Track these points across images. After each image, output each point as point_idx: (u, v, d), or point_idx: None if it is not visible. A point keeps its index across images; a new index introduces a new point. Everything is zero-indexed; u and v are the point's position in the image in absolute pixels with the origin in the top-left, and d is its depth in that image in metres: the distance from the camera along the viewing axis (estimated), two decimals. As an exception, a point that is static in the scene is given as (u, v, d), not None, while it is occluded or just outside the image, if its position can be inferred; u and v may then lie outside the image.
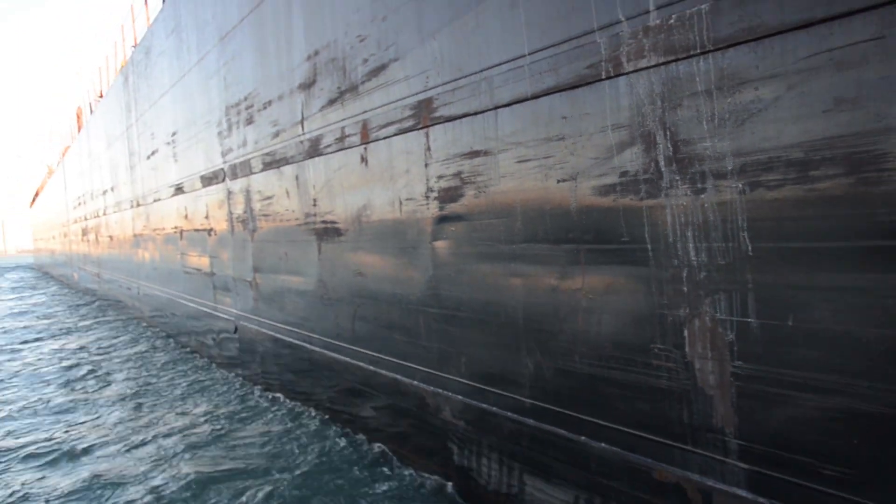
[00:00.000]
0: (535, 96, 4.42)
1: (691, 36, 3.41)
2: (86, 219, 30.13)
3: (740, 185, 3.27)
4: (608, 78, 3.89)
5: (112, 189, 22.08)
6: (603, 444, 4.19)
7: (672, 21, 3.50)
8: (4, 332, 17.60)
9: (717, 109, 3.33)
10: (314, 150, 7.59)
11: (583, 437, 4.34)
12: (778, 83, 3.07)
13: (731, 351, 3.39)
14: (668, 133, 3.59)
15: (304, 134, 7.80)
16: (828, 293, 2.98)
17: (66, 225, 39.15)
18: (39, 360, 13.35)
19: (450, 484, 5.76)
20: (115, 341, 15.12)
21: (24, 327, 18.67)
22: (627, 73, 3.79)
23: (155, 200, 15.87)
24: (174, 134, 13.64)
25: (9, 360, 13.50)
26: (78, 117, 30.72)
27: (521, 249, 4.73)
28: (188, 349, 13.59)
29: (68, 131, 38.39)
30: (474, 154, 5.06)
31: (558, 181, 4.34)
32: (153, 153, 15.68)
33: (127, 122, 18.40)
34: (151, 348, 13.94)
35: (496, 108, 4.78)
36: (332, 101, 7.11)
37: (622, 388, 4.02)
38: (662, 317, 3.73)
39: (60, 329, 17.76)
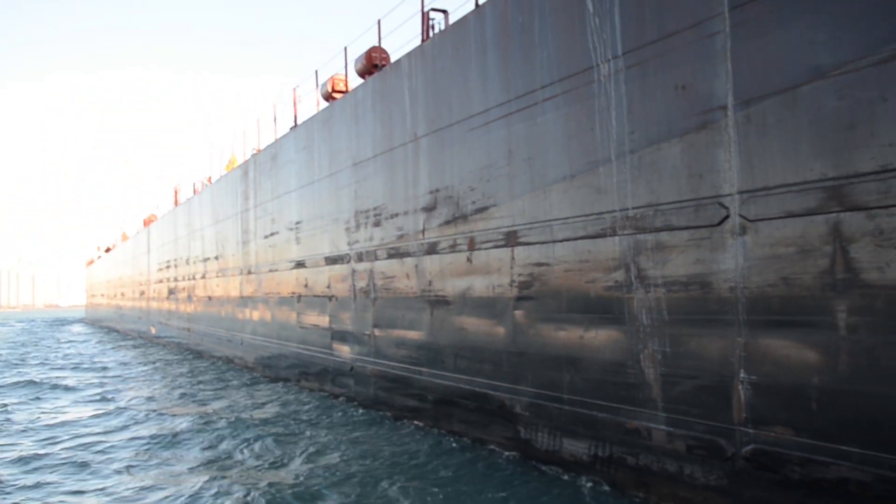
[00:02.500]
0: (575, 238, 8.88)
1: (646, 223, 7.85)
2: (175, 280, 34.92)
3: (664, 290, 7.65)
4: (610, 236, 8.34)
5: (216, 258, 26.86)
6: (603, 414, 8.45)
7: (638, 214, 7.95)
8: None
9: (655, 257, 7.75)
10: (432, 249, 12.11)
11: (594, 412, 8.60)
12: (678, 250, 7.48)
13: (659, 363, 7.70)
14: (635, 265, 8.00)
15: (424, 239, 12.33)
16: (693, 337, 7.31)
17: (146, 284, 44.01)
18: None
19: (514, 453, 9.98)
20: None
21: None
22: (619, 235, 8.23)
23: (270, 271, 20.50)
24: (298, 223, 18.32)
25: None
26: (175, 194, 35.84)
27: (564, 317, 9.10)
28: (299, 389, 17.95)
29: (154, 204, 43.82)
30: (540, 264, 9.50)
31: (585, 282, 8.74)
32: (272, 234, 20.39)
33: (243, 206, 23.26)
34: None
35: (554, 241, 9.24)
36: (447, 222, 11.65)
37: (613, 384, 8.31)
38: (631, 349, 8.05)
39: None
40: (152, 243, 42.15)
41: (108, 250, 71.76)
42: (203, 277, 29.02)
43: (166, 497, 8.82)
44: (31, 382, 20.35)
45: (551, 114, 9.32)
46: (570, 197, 8.98)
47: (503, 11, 10.30)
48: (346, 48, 16.24)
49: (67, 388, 19.26)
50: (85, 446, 11.84)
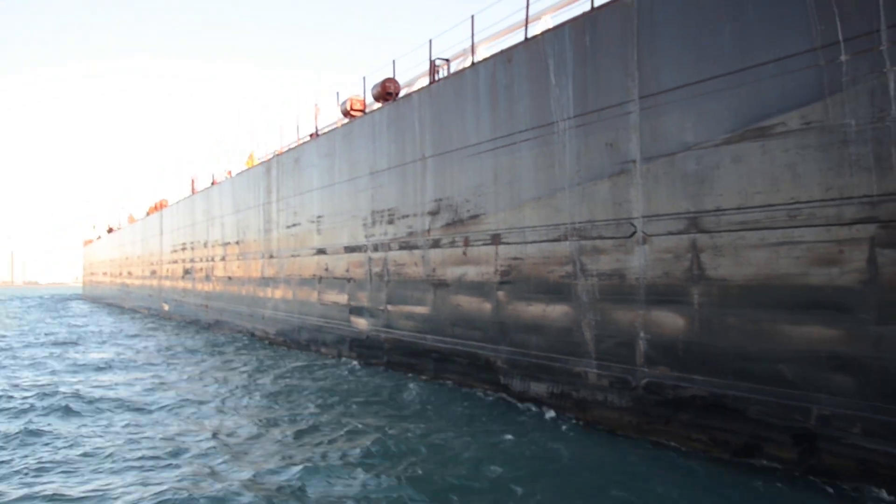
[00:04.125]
0: (540, 241, 12.69)
1: (587, 233, 11.68)
2: (192, 261, 38.50)
3: (597, 279, 11.49)
4: (563, 241, 12.16)
5: (237, 242, 30.52)
6: (557, 364, 12.31)
7: (582, 227, 11.77)
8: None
9: (592, 257, 11.57)
10: (435, 244, 15.88)
11: (552, 363, 12.46)
12: (605, 253, 11.31)
13: (593, 328, 11.55)
14: (579, 262, 11.83)
15: (430, 236, 16.10)
16: (614, 310, 11.16)
17: (158, 264, 47.50)
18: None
19: (494, 396, 13.82)
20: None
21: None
22: (569, 241, 12.05)
23: (293, 256, 24.21)
24: (320, 217, 22.03)
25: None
26: (192, 183, 39.32)
27: (532, 296, 12.93)
28: (322, 354, 21.75)
29: (164, 190, 47.26)
30: (516, 258, 13.31)
31: (547, 272, 12.57)
32: (294, 225, 24.08)
33: (266, 199, 26.90)
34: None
35: (525, 243, 13.05)
36: (448, 224, 15.42)
37: (564, 343, 12.16)
38: (577, 319, 11.90)
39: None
40: (165, 226, 45.58)
41: (109, 231, 74.97)
42: (223, 259, 32.64)
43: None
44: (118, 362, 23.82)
45: (526, 152, 13.10)
46: (538, 212, 12.79)
47: (493, 72, 14.04)
48: (364, 77, 19.95)
49: (142, 365, 22.95)
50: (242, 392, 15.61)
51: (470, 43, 15.29)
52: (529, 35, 13.52)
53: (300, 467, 9.32)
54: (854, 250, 8.00)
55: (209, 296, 35.24)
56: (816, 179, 8.37)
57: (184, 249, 40.61)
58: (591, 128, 11.63)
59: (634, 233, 10.81)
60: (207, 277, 35.56)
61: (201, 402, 14.16)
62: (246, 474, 9.15)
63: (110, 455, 10.20)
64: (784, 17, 8.75)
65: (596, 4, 11.81)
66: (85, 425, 12.27)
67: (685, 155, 10.01)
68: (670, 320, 10.26)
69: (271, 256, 26.39)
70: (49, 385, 16.16)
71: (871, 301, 7.88)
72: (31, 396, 14.58)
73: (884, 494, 7.71)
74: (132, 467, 9.61)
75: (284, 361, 20.22)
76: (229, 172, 33.39)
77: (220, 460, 9.91)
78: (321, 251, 21.97)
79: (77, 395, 14.68)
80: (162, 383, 16.63)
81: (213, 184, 35.55)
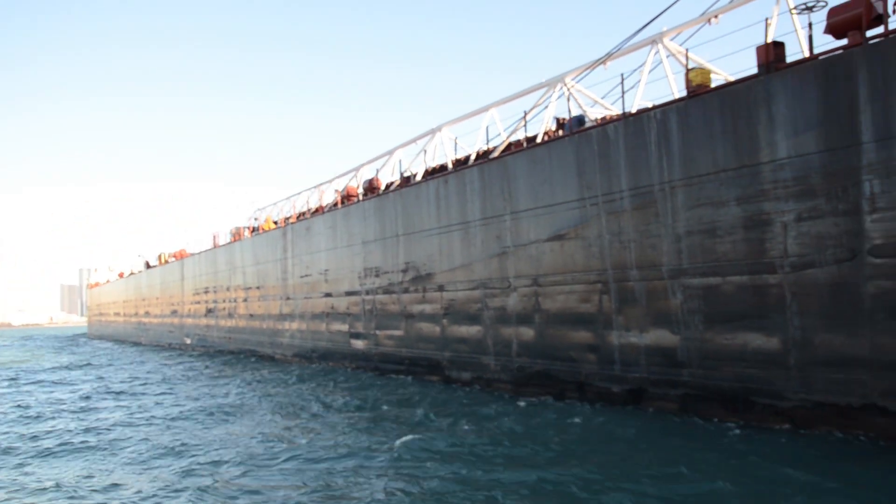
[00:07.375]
0: (464, 290, 21.87)
1: (488, 285, 20.89)
2: (214, 302, 47.26)
3: (493, 312, 20.66)
4: (476, 290, 21.35)
5: (258, 287, 39.45)
6: (475, 360, 21.42)
7: (486, 282, 20.98)
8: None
9: (490, 299, 20.77)
10: (406, 290, 25.03)
11: (472, 359, 21.55)
12: (497, 297, 20.51)
13: (492, 338, 20.69)
14: (484, 302, 21.02)
15: (402, 285, 25.24)
16: (502, 329, 20.33)
17: (180, 304, 56.10)
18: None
19: (441, 383, 22.87)
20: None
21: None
22: (479, 290, 21.24)
23: (306, 298, 33.22)
24: (326, 270, 31.12)
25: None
26: (214, 238, 48.23)
27: (461, 321, 22.08)
28: (330, 366, 30.71)
29: (184, 243, 56.19)
30: (452, 299, 22.49)
31: (468, 307, 21.73)
32: (306, 275, 33.14)
33: (283, 255, 35.96)
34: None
35: (457, 290, 22.23)
36: (413, 279, 24.59)
37: (478, 347, 21.27)
38: (485, 333, 21.03)
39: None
40: (187, 272, 54.31)
41: (120, 275, 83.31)
42: (245, 301, 41.53)
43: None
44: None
45: (456, 236, 22.32)
46: (463, 273, 21.96)
47: (437, 187, 23.32)
48: (356, 173, 29.14)
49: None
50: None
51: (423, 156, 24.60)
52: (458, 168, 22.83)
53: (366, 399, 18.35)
54: (593, 295, 17.25)
55: (232, 329, 44.04)
56: (581, 262, 17.62)
57: (206, 292, 49.37)
58: (489, 227, 20.87)
59: (510, 286, 19.99)
60: (230, 315, 44.36)
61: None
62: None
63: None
64: (567, 184, 18.06)
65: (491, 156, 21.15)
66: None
67: (530, 245, 19.25)
68: (526, 332, 19.41)
69: (287, 298, 35.38)
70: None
71: (600, 320, 17.10)
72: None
73: (610, 406, 16.80)
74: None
75: (310, 370, 29.09)
76: (250, 230, 42.42)
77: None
78: (328, 294, 31.02)
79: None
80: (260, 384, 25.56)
81: (233, 240, 44.52)
